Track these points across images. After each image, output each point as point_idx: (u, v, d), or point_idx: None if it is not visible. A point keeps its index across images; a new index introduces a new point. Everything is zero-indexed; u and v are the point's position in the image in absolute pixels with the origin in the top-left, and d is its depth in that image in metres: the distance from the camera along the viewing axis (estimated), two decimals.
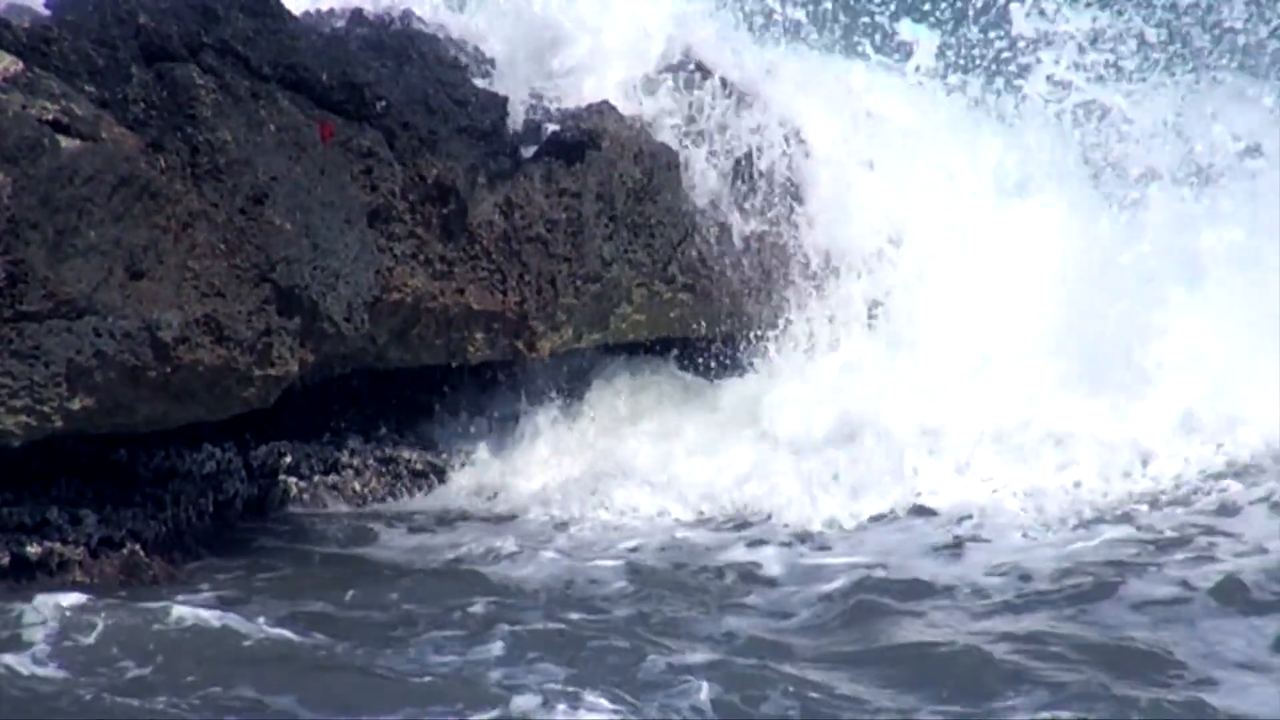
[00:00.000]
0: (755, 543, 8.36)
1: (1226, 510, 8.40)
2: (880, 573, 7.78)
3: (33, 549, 7.84)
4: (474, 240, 9.06)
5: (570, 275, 9.30)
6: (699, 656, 6.76)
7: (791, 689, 6.41)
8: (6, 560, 7.77)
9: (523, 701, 6.26)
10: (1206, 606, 7.17)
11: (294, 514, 8.98)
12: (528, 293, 9.18)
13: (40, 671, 6.64)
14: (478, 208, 9.05)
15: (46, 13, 8.31)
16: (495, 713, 6.21)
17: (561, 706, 6.21)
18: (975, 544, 8.18)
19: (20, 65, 7.88)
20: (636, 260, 9.54)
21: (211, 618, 7.10)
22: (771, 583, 7.85)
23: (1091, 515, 8.49)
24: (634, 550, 8.35)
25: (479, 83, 9.32)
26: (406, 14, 9.31)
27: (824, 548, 8.29)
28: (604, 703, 6.26)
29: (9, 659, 6.68)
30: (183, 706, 6.32)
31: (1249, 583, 7.30)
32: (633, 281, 9.55)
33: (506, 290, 9.14)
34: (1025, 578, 7.63)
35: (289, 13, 8.79)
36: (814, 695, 6.37)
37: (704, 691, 6.30)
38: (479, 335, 9.19)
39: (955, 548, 8.15)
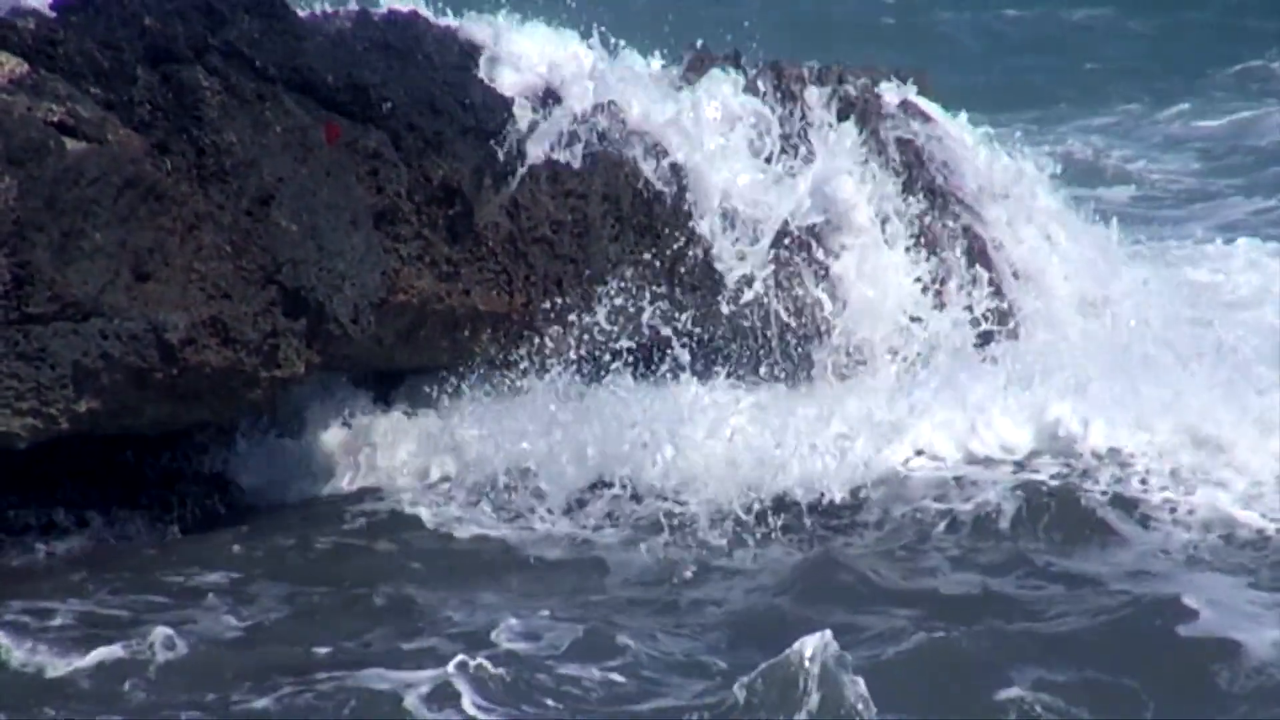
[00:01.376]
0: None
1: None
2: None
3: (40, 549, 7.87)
4: (480, 241, 9.05)
5: (576, 276, 9.29)
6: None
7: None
8: (15, 563, 7.78)
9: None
10: None
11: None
12: (534, 294, 9.17)
13: (72, 668, 6.71)
14: (484, 209, 9.04)
15: (52, 15, 8.32)
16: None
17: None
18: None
19: (26, 67, 7.89)
20: (643, 261, 9.51)
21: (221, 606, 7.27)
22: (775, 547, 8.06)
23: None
24: (607, 527, 8.39)
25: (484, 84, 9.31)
26: (412, 15, 9.31)
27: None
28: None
29: (40, 659, 6.76)
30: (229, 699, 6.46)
31: None
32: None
33: (513, 291, 9.14)
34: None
35: (295, 14, 8.79)
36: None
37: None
38: (485, 336, 9.18)
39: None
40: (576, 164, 9.30)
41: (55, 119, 7.71)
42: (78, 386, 7.63)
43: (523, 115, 9.27)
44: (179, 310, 7.90)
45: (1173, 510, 8.33)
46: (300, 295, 8.22)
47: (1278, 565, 7.67)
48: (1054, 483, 8.61)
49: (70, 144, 7.68)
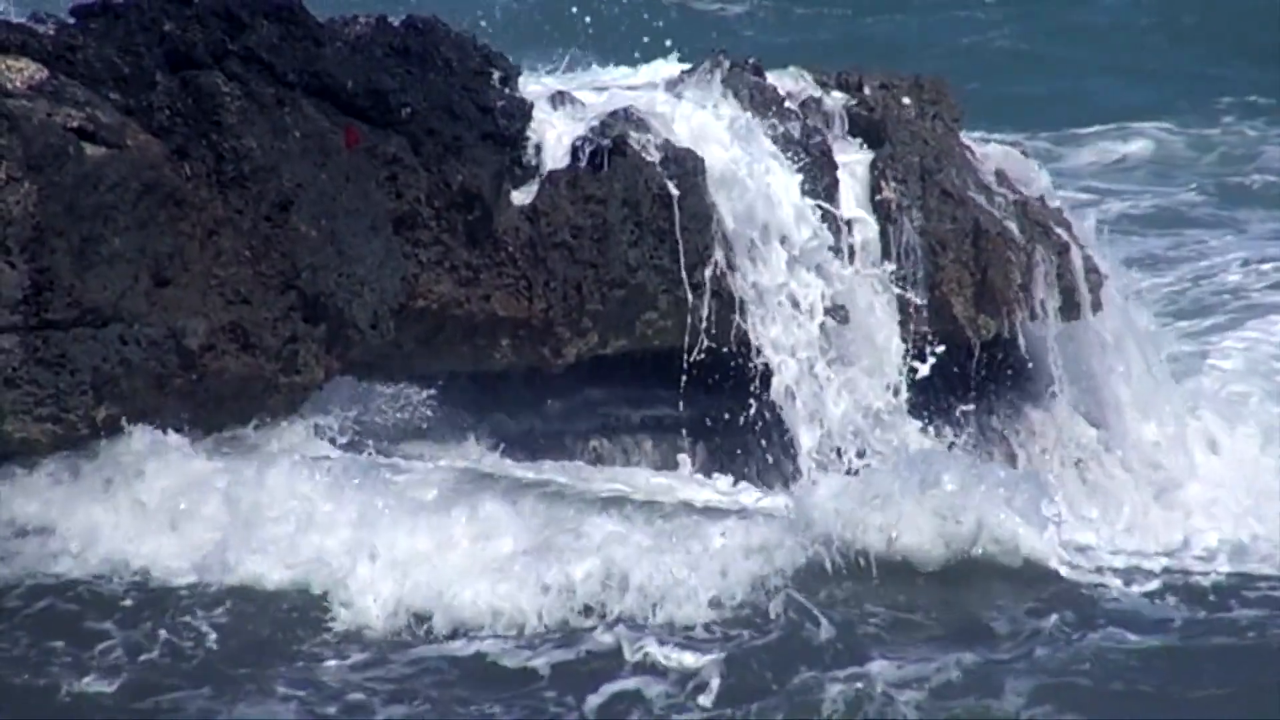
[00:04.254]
0: None
1: None
2: None
3: None
4: (500, 247, 9.03)
5: (596, 281, 9.27)
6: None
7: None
8: None
9: None
10: None
11: None
12: (553, 299, 9.14)
13: None
14: (503, 214, 9.02)
15: (71, 20, 8.32)
16: None
17: None
18: None
19: (45, 73, 7.90)
20: (662, 266, 9.49)
21: None
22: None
23: None
24: None
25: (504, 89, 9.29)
26: (431, 21, 9.29)
27: None
28: None
29: None
30: None
31: None
32: (658, 288, 9.50)
33: (532, 297, 9.11)
34: None
35: (314, 20, 8.79)
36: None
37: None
38: (504, 342, 9.16)
39: None
40: (596, 168, 9.27)
41: (75, 124, 7.71)
42: (97, 392, 7.64)
43: (542, 120, 9.26)
44: (198, 316, 7.90)
45: None
46: (320, 301, 8.22)
47: None
48: None
49: (90, 149, 7.69)
